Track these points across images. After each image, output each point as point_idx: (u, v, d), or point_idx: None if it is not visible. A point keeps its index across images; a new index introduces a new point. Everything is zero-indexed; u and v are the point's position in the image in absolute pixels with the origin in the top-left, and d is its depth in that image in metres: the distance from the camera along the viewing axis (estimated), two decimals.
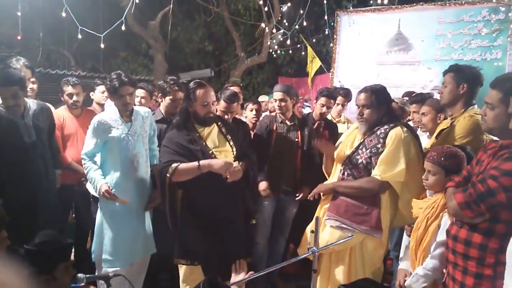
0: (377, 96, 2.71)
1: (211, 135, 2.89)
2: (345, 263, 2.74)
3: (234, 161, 2.83)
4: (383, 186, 2.62)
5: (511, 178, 1.73)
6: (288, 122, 3.63)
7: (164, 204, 2.91)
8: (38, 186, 3.11)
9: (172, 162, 2.73)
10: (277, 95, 3.57)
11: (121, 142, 2.97)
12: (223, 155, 2.83)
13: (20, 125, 3.05)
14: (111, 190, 2.85)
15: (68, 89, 3.74)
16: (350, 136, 2.92)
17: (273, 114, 3.91)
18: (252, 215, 3.09)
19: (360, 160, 2.71)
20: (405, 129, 2.66)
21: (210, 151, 2.80)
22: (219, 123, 2.98)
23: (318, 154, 3.59)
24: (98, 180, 2.89)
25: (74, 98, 3.75)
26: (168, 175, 2.72)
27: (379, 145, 2.64)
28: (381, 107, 2.71)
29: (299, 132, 3.61)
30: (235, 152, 2.88)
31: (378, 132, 2.67)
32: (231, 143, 2.91)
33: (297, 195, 3.52)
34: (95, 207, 3.35)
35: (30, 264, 1.83)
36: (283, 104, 3.54)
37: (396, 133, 2.60)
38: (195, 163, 2.68)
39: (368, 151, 2.69)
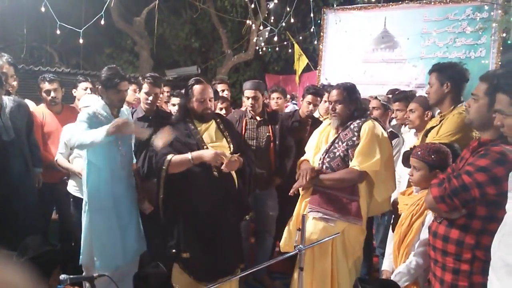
0: (349, 92, 2.89)
1: (209, 130, 2.92)
2: (328, 254, 2.81)
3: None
4: (361, 176, 2.76)
5: (485, 174, 1.75)
6: (258, 118, 3.64)
7: (157, 198, 2.87)
8: (19, 185, 3.04)
9: (167, 154, 2.75)
10: (250, 92, 3.58)
11: (111, 140, 2.86)
12: (218, 150, 2.84)
13: None
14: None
15: (45, 85, 3.67)
16: (323, 133, 3.07)
17: (243, 109, 3.90)
18: (247, 212, 3.10)
19: (337, 153, 2.85)
20: (375, 122, 2.86)
21: (205, 146, 2.82)
22: (218, 120, 3.02)
23: (292, 146, 3.63)
24: (97, 130, 2.65)
25: (52, 94, 3.67)
26: (164, 167, 2.73)
27: (354, 138, 2.80)
28: (352, 103, 2.89)
29: (269, 126, 3.62)
30: (232, 148, 2.91)
31: (352, 126, 2.84)
32: (228, 139, 2.95)
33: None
34: (75, 208, 3.29)
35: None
36: (255, 101, 3.57)
37: (368, 126, 2.79)
38: (188, 155, 2.72)
39: (344, 144, 2.83)
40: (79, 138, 2.71)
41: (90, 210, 2.93)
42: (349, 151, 2.80)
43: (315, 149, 3.03)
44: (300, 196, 2.97)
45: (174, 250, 2.82)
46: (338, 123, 2.91)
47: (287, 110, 5.21)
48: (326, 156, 2.89)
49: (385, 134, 2.85)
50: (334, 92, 2.91)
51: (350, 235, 2.81)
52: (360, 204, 2.78)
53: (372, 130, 2.76)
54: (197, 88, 2.87)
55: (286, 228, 3.02)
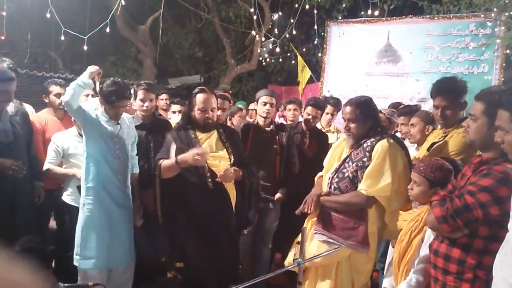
0: (362, 110, 2.65)
1: (209, 140, 2.92)
2: (331, 278, 2.68)
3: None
4: (369, 201, 2.56)
5: (488, 194, 1.72)
6: (266, 129, 3.62)
7: (154, 204, 2.87)
8: (17, 190, 3.02)
9: (161, 159, 2.79)
10: (267, 98, 3.58)
11: (109, 141, 2.91)
12: (217, 161, 2.85)
13: None
14: None
15: (56, 88, 3.66)
16: (338, 148, 2.87)
17: (251, 120, 3.89)
18: (246, 226, 3.07)
19: (346, 174, 2.65)
20: (391, 141, 2.59)
21: None
22: (220, 130, 3.00)
23: (297, 160, 3.60)
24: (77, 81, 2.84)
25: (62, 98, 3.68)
26: (156, 172, 2.77)
27: (365, 159, 2.58)
28: (367, 121, 2.65)
29: (277, 138, 3.59)
30: (232, 160, 2.89)
31: (365, 145, 2.61)
32: (229, 150, 2.92)
33: (273, 198, 3.54)
34: (69, 217, 3.27)
35: None
36: (271, 108, 3.57)
37: (382, 146, 2.54)
38: (174, 159, 2.73)
39: (354, 164, 2.63)
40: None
41: (86, 204, 2.91)
42: (358, 172, 2.58)
43: (328, 166, 2.87)
44: (308, 214, 2.86)
45: (164, 259, 2.85)
46: (352, 142, 2.70)
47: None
48: (335, 176, 2.71)
49: (404, 157, 2.60)
50: (347, 110, 2.67)
51: (356, 262, 2.64)
52: (368, 229, 2.58)
53: (386, 150, 2.51)
54: (199, 97, 2.87)
55: (293, 245, 2.89)
